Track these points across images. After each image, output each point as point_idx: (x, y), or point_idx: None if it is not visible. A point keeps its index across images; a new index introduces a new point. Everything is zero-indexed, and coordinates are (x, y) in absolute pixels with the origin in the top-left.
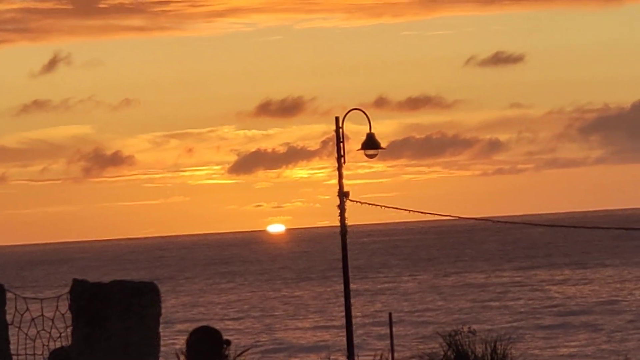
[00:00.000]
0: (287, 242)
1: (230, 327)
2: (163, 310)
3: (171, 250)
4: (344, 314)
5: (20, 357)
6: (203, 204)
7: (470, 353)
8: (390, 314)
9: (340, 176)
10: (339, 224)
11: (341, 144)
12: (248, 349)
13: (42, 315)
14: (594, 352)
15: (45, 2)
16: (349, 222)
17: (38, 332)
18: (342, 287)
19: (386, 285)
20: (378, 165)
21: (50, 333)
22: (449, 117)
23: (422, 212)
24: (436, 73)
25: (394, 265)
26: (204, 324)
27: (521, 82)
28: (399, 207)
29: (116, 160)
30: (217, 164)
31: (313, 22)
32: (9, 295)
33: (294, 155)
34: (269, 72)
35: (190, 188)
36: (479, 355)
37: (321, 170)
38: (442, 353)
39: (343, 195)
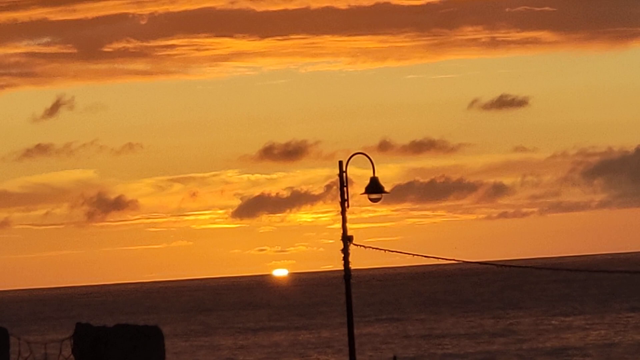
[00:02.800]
0: (293, 286)
1: None
2: (167, 355)
3: (179, 295)
4: (348, 357)
5: None
6: (206, 248)
7: None
8: (394, 357)
9: (344, 220)
10: (342, 268)
11: (345, 188)
12: None
13: (46, 359)
14: None
15: (49, 47)
16: (353, 266)
17: None
18: (346, 330)
19: (391, 328)
20: (382, 209)
21: None
22: (453, 161)
23: (426, 256)
24: (440, 117)
25: (399, 309)
26: None
27: (525, 125)
28: (403, 251)
29: (119, 204)
30: (221, 208)
31: (318, 66)
32: (12, 339)
33: (297, 199)
34: (273, 115)
35: (193, 232)
36: None
37: (325, 214)
38: None
39: (347, 239)
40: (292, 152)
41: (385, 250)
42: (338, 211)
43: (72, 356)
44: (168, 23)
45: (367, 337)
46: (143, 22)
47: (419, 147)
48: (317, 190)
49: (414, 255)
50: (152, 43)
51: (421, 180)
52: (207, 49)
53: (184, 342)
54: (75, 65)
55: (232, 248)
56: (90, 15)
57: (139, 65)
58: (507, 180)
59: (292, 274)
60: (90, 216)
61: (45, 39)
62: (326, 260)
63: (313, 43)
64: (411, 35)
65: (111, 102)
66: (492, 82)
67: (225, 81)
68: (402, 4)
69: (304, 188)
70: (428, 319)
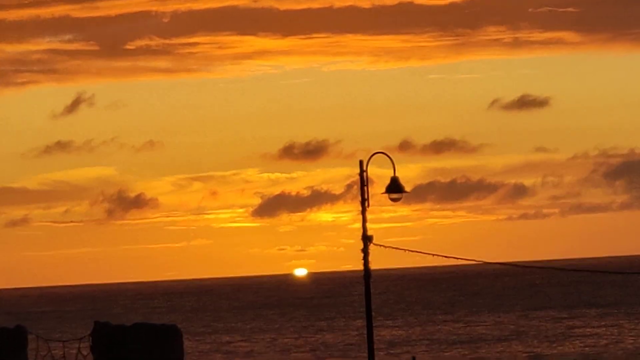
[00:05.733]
0: (313, 286)
1: None
2: (186, 354)
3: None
4: (367, 357)
5: None
6: (226, 247)
7: None
8: (413, 358)
9: (364, 220)
10: (362, 268)
11: (365, 188)
12: None
13: (64, 357)
14: None
15: (72, 44)
16: (372, 266)
17: None
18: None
19: (410, 329)
20: (402, 209)
21: None
22: (474, 161)
23: (446, 257)
24: (461, 116)
25: (418, 309)
26: None
27: (546, 126)
28: (423, 251)
29: (139, 202)
30: (241, 207)
31: (340, 65)
32: (30, 337)
33: (318, 198)
34: (295, 114)
35: (213, 231)
36: None
37: (345, 214)
38: None
39: (367, 239)
40: (312, 151)
41: (405, 250)
42: (358, 211)
43: (90, 354)
44: (190, 21)
45: (386, 337)
46: (165, 20)
47: (440, 147)
48: (338, 189)
49: (434, 255)
50: (175, 41)
51: (442, 181)
52: (230, 47)
53: (202, 342)
54: (98, 62)
55: (252, 247)
56: (113, 12)
57: (161, 62)
58: (527, 181)
59: (311, 274)
60: (110, 214)
61: (68, 36)
62: (346, 260)
63: (336, 42)
64: (434, 35)
65: (132, 100)
66: (514, 82)
67: (248, 79)
68: (425, 3)
69: (325, 187)
70: (449, 320)
